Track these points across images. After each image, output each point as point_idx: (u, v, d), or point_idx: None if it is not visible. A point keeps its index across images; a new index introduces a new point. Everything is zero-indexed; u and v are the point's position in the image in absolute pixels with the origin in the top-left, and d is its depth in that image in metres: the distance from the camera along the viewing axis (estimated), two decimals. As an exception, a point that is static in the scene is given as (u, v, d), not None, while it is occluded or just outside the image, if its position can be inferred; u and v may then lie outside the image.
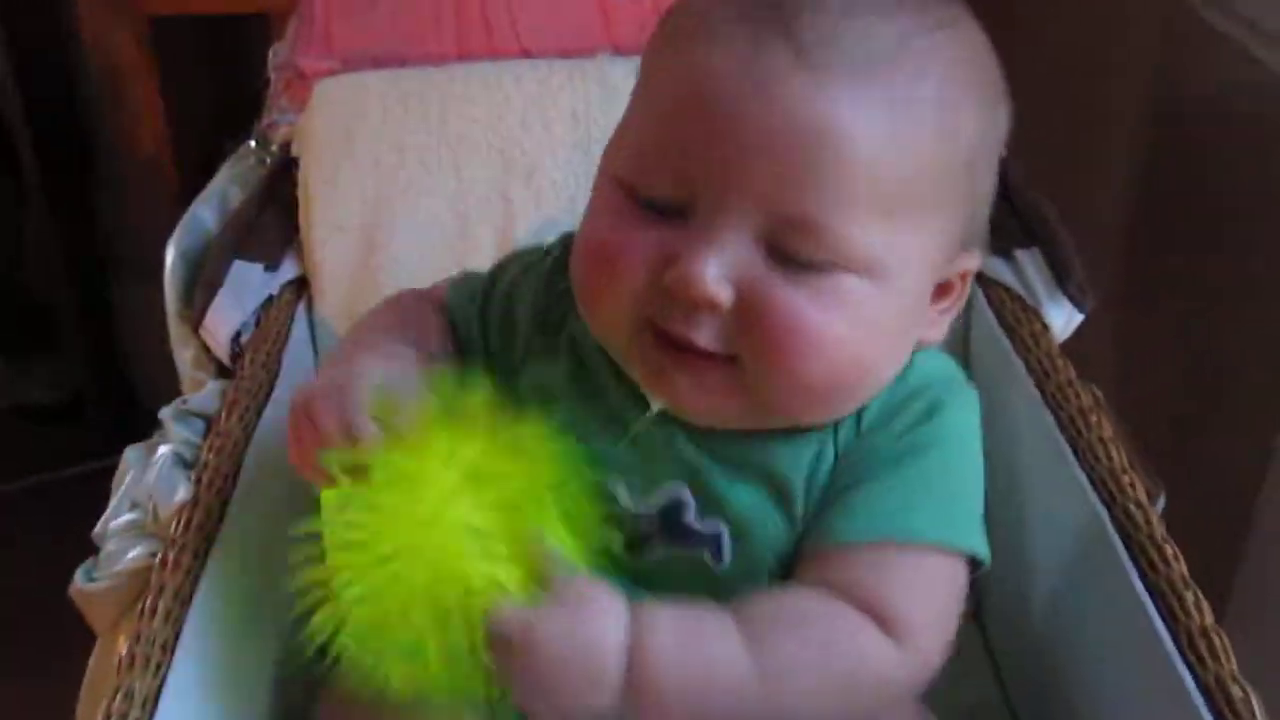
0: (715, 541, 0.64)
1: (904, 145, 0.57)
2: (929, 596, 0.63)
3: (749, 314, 0.57)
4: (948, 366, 0.69)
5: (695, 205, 0.57)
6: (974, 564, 0.65)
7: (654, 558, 0.65)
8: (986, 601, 0.94)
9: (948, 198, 0.60)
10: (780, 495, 0.64)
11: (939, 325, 0.66)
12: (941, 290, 0.65)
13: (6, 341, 1.96)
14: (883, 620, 0.61)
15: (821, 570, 0.63)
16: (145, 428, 0.86)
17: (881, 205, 0.57)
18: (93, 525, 0.81)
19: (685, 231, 0.57)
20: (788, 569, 0.65)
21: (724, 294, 0.56)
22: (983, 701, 0.89)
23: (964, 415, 0.66)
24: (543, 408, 0.63)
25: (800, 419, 0.63)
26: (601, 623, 0.57)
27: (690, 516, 0.64)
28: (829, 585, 0.62)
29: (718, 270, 0.56)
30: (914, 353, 0.66)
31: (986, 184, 0.63)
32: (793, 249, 0.57)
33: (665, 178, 0.58)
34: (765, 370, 0.59)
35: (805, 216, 0.56)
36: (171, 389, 0.92)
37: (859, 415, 0.64)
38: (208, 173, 1.07)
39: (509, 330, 0.72)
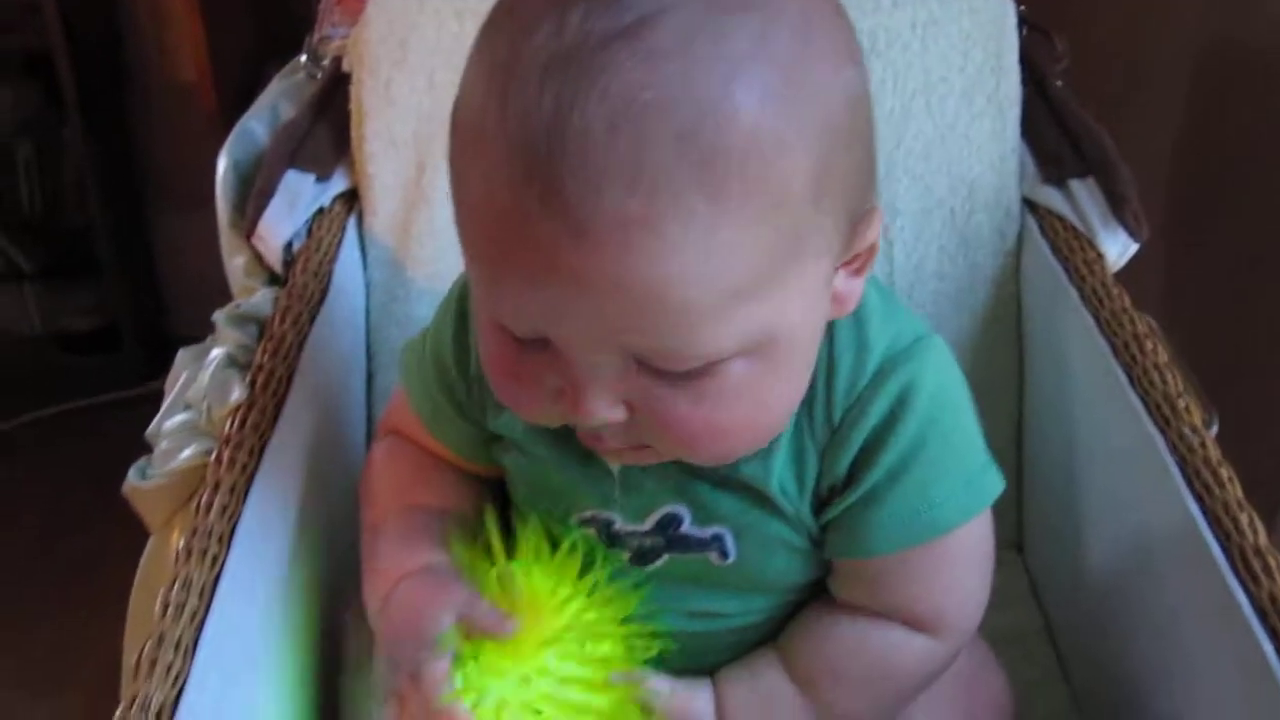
0: (718, 542, 0.65)
1: (723, 256, 0.50)
2: (961, 578, 0.66)
3: (646, 422, 0.56)
4: (900, 330, 0.63)
5: (556, 344, 0.54)
6: None
7: (661, 564, 0.67)
8: (1029, 529, 0.95)
9: (805, 238, 0.53)
10: (764, 501, 0.64)
11: (855, 289, 0.59)
12: (852, 260, 0.59)
13: (45, 269, 1.97)
14: (919, 623, 0.66)
15: (855, 586, 0.66)
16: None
17: (732, 302, 0.51)
18: (130, 449, 0.81)
19: (561, 364, 0.55)
20: (795, 551, 0.66)
21: (617, 414, 0.55)
22: (1023, 627, 0.89)
23: (938, 376, 0.62)
24: (521, 453, 0.67)
25: (738, 460, 0.62)
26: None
27: (687, 526, 0.65)
28: (864, 602, 0.66)
29: (603, 399, 0.55)
30: (864, 329, 0.62)
31: (851, 164, 0.54)
32: (663, 368, 0.54)
33: (515, 322, 0.55)
34: (681, 454, 0.59)
35: (659, 350, 0.53)
36: (208, 315, 0.92)
37: (827, 411, 0.62)
38: (247, 99, 1.07)
39: (479, 386, 0.68)
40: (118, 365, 1.87)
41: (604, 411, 0.55)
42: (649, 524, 0.65)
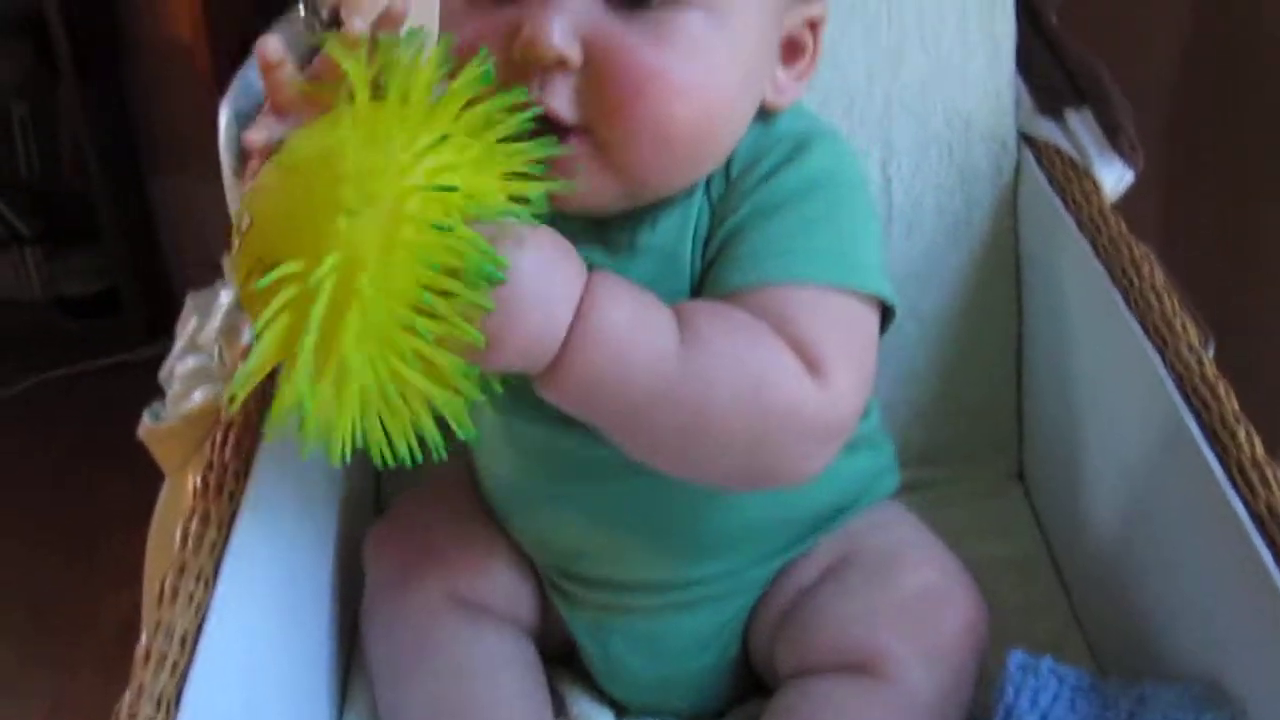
0: None
1: None
2: (833, 328, 0.62)
3: (598, 70, 0.58)
4: (815, 120, 0.69)
5: None
6: (885, 313, 0.66)
7: None
8: (1029, 459, 0.96)
9: None
10: (674, 265, 0.65)
11: (792, 89, 0.67)
12: (791, 50, 0.66)
13: (44, 233, 1.97)
14: (798, 348, 0.60)
15: None
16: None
17: None
18: (131, 412, 0.82)
19: (528, 4, 0.59)
20: None
21: (572, 50, 0.58)
22: (1025, 555, 0.90)
23: (835, 155, 0.66)
24: None
25: (665, 182, 0.63)
26: (573, 268, 0.58)
27: None
28: None
29: (562, 27, 0.58)
30: (772, 120, 0.67)
31: None
32: None
33: None
34: (620, 131, 0.59)
35: None
36: (209, 277, 0.92)
37: (726, 166, 0.65)
38: (244, 58, 1.06)
39: None
40: (119, 329, 1.88)
41: (560, 42, 0.57)
42: None
